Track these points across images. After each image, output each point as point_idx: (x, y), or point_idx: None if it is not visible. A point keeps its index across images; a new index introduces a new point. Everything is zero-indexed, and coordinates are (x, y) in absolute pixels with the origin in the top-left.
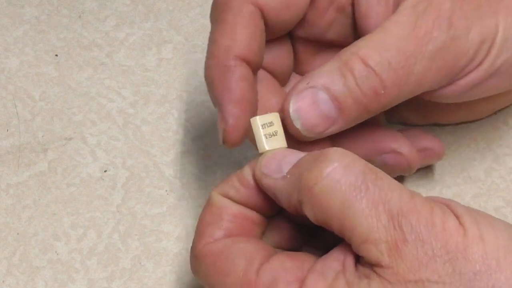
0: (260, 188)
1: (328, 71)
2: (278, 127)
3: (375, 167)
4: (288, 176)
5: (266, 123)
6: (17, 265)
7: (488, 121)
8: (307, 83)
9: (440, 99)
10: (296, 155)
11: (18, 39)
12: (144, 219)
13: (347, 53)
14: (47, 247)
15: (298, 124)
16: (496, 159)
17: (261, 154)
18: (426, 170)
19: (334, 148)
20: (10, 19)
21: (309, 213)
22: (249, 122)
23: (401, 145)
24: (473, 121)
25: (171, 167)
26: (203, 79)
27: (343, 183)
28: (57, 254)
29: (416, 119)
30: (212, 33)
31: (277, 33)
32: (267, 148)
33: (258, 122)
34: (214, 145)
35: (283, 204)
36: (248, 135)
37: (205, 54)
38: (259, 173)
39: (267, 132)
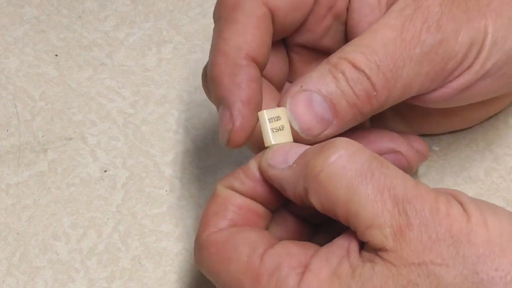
0: (265, 180)
1: (319, 75)
2: (285, 122)
3: (380, 157)
4: (294, 165)
5: (273, 117)
6: (17, 265)
7: (488, 121)
8: (301, 87)
9: (430, 103)
10: (302, 148)
11: (18, 39)
12: (144, 219)
13: (335, 58)
14: (47, 247)
15: (295, 126)
16: (496, 159)
17: (267, 148)
18: (426, 170)
19: (340, 138)
20: (10, 19)
21: (315, 200)
22: (255, 124)
23: (399, 145)
24: (460, 130)
25: (171, 167)
26: None
27: (349, 169)
28: (57, 254)
29: (402, 128)
30: (221, 31)
31: (279, 36)
32: (273, 142)
33: (265, 115)
34: (214, 145)
35: (289, 194)
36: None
37: (205, 54)
38: (265, 165)
39: (274, 126)
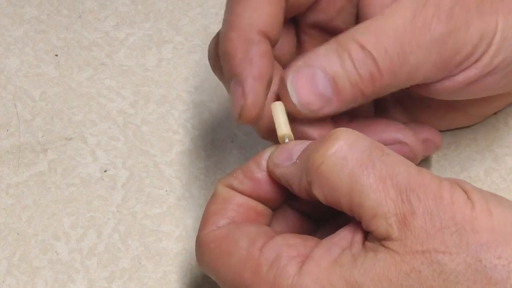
0: (264, 180)
1: (325, 52)
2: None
3: (381, 145)
4: (298, 161)
5: (286, 112)
6: (17, 265)
7: (488, 121)
8: (304, 62)
9: (434, 94)
10: (306, 143)
11: (18, 39)
12: (144, 219)
13: (344, 37)
14: (47, 247)
15: (294, 99)
16: (496, 159)
17: (280, 137)
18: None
19: (340, 128)
20: (10, 19)
21: (319, 193)
22: (266, 100)
23: (404, 135)
24: (462, 128)
25: (171, 167)
26: (203, 79)
27: (350, 159)
28: (57, 254)
29: (405, 121)
30: (233, 6)
31: (292, 13)
32: (285, 131)
33: (279, 107)
34: (214, 145)
35: (295, 190)
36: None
37: (205, 54)
38: (271, 165)
39: (287, 119)
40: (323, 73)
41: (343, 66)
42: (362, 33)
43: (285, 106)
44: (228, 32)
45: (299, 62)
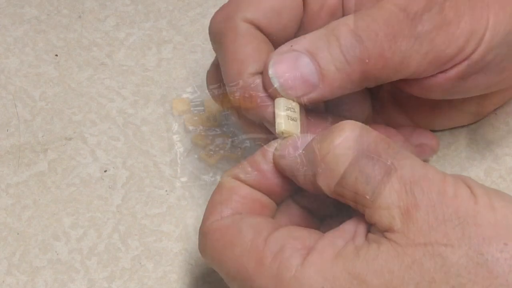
0: (270, 172)
1: (313, 37)
2: (297, 115)
3: (387, 138)
4: (303, 152)
5: (290, 107)
6: (17, 265)
7: (488, 121)
8: (291, 46)
9: (429, 91)
10: (312, 136)
11: (18, 39)
12: (144, 219)
13: (335, 22)
14: (47, 247)
15: (275, 83)
16: (496, 159)
17: (278, 134)
18: None
19: (346, 120)
20: (10, 19)
21: (323, 184)
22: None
23: (395, 142)
24: (462, 128)
25: (171, 167)
26: (203, 79)
27: (355, 150)
28: (57, 254)
29: (404, 122)
30: (221, 61)
31: (282, 41)
32: (284, 127)
33: (282, 102)
34: (214, 145)
35: (300, 182)
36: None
37: (205, 54)
38: (277, 156)
39: (289, 114)
40: (308, 58)
41: (329, 51)
42: (353, 19)
43: (268, 91)
44: (229, 89)
45: (284, 47)
